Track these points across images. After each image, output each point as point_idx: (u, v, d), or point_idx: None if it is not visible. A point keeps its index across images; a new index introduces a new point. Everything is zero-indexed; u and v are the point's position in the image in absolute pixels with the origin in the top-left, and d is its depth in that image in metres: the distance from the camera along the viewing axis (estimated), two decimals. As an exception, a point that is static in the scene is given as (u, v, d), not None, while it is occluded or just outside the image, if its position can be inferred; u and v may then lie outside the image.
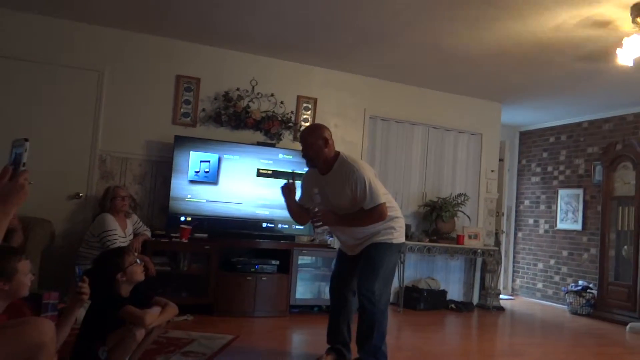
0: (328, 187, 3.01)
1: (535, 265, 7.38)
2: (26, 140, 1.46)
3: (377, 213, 2.92)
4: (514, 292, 7.64)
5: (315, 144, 2.96)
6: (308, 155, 3.00)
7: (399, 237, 3.09)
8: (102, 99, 4.78)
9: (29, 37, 4.57)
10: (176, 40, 5.01)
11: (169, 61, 5.02)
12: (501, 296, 6.48)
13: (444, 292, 5.92)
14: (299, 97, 5.49)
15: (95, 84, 4.77)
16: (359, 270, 3.06)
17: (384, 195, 3.00)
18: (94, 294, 2.88)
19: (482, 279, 6.31)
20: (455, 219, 6.03)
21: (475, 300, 6.28)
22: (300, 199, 3.24)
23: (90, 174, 4.72)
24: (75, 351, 2.54)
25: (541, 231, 7.34)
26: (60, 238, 4.41)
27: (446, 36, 4.40)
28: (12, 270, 2.05)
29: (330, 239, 5.34)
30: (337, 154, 3.04)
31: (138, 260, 3.62)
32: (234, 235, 4.84)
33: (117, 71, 4.84)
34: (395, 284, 5.51)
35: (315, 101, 5.59)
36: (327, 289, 5.08)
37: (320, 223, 3.04)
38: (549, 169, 7.34)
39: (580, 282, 6.51)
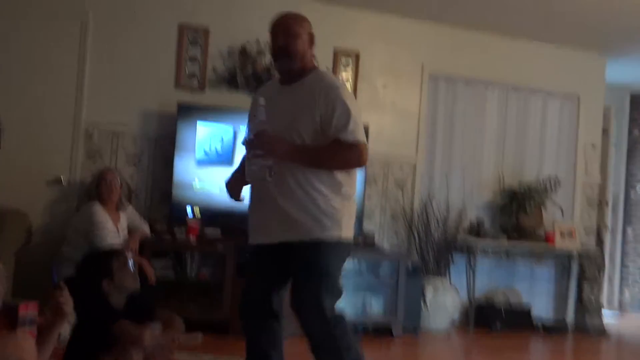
0: (284, 102, 2.74)
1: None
2: None
3: (355, 153, 2.67)
4: (622, 307, 7.57)
5: (301, 37, 2.75)
6: (287, 48, 2.72)
7: (348, 230, 2.72)
8: (86, 56, 4.92)
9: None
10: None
11: (168, 6, 5.12)
12: (605, 313, 6.43)
13: (527, 309, 5.93)
14: (336, 51, 5.52)
15: (78, 38, 4.91)
16: (295, 282, 2.72)
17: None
18: (78, 306, 3.01)
19: (579, 290, 6.26)
20: (543, 211, 5.99)
21: (570, 318, 6.26)
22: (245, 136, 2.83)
23: (73, 153, 4.89)
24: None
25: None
26: (38, 234, 4.59)
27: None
28: None
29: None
30: (315, 66, 2.87)
31: (131, 263, 3.75)
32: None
33: (104, 20, 4.96)
34: (462, 296, 5.56)
35: (357, 56, 5.63)
36: (374, 302, 5.19)
37: (263, 153, 2.61)
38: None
39: None
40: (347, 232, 2.71)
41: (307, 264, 2.65)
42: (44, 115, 4.82)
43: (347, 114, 2.63)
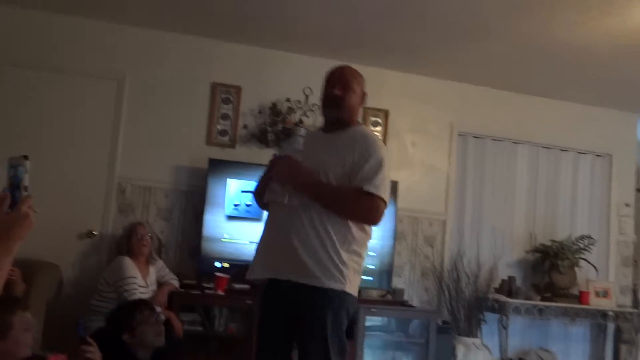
0: (321, 144, 2.78)
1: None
2: (25, 158, 1.49)
3: (374, 208, 2.63)
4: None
5: (356, 92, 2.81)
6: (341, 99, 2.76)
7: (353, 287, 2.66)
8: (122, 113, 5.06)
9: (33, 39, 4.92)
10: (211, 39, 5.26)
11: (202, 66, 5.27)
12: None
13: (562, 369, 5.76)
14: (365, 110, 5.58)
15: (114, 96, 5.06)
16: (300, 335, 2.68)
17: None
18: (106, 358, 3.01)
19: (616, 352, 6.08)
20: (577, 269, 5.88)
21: (607, 381, 6.05)
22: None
23: (106, 207, 4.98)
24: None
25: (698, 288, 7.02)
26: (69, 286, 4.64)
27: (560, 26, 4.39)
28: (6, 326, 2.16)
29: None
30: (359, 122, 2.97)
31: (162, 316, 3.75)
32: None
33: (139, 79, 5.13)
34: (496, 355, 5.42)
35: (386, 114, 5.69)
36: (403, 360, 5.08)
37: (284, 177, 2.69)
38: None
39: None
40: (352, 287, 2.63)
41: (312, 312, 2.58)
42: (78, 169, 4.94)
43: (378, 167, 2.63)
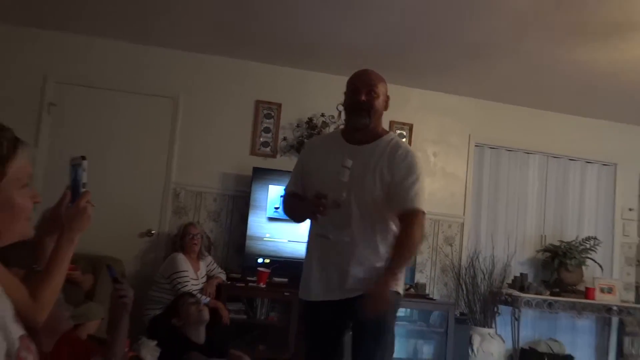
0: (355, 163, 2.34)
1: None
2: (83, 158, 1.52)
3: (420, 223, 2.35)
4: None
5: (382, 93, 2.46)
6: (368, 104, 2.41)
7: (400, 286, 2.45)
8: (177, 127, 5.14)
9: (102, 64, 5.04)
10: (254, 62, 5.30)
11: (247, 85, 5.32)
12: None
13: (570, 358, 5.63)
14: (391, 123, 5.57)
15: (170, 112, 5.14)
16: (355, 338, 2.42)
17: None
18: (161, 340, 3.09)
19: (620, 343, 5.94)
20: (584, 268, 5.77)
21: (611, 370, 5.91)
22: (297, 174, 2.62)
23: (162, 210, 5.05)
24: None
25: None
26: (130, 278, 4.71)
27: (569, 49, 4.33)
28: None
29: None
30: (386, 130, 2.57)
31: (204, 299, 3.81)
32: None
33: (192, 98, 5.19)
34: (508, 345, 5.35)
35: (410, 127, 5.65)
36: (424, 348, 5.04)
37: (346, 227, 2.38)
38: None
39: None
40: (400, 287, 2.44)
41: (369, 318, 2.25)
42: (139, 176, 5.02)
43: (412, 180, 2.36)
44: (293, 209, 2.57)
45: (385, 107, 2.50)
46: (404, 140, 5.52)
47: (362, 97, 2.40)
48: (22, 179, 1.32)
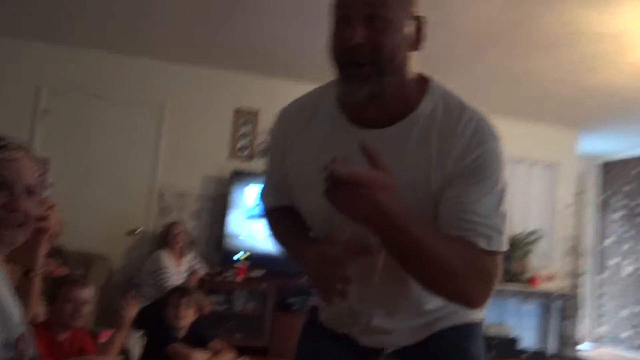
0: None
1: (620, 311, 7.03)
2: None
3: (493, 270, 1.13)
4: (597, 341, 7.29)
5: (399, 16, 1.10)
6: (374, 44, 1.09)
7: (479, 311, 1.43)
8: (162, 133, 5.08)
9: (94, 73, 4.95)
10: (234, 71, 5.24)
11: (227, 94, 5.27)
12: (582, 346, 6.21)
13: (513, 340, 5.75)
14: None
15: (155, 119, 5.08)
16: None
17: None
18: (148, 330, 3.06)
19: (560, 326, 6.08)
20: (528, 258, 5.88)
21: (552, 349, 6.04)
22: (270, 183, 1.43)
23: (148, 210, 4.99)
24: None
25: (626, 273, 7.01)
26: (117, 274, 4.67)
27: (517, 59, 4.39)
28: (53, 295, 2.19)
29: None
30: (424, 79, 1.27)
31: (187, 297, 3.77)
32: (292, 274, 4.93)
33: (176, 105, 5.13)
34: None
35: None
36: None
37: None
38: (635, 203, 7.04)
39: (673, 332, 6.15)
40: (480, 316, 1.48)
41: (457, 354, 1.40)
42: (126, 178, 4.96)
43: (499, 197, 1.18)
44: (289, 246, 1.34)
45: (418, 41, 1.18)
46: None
47: (355, 36, 1.08)
48: None
